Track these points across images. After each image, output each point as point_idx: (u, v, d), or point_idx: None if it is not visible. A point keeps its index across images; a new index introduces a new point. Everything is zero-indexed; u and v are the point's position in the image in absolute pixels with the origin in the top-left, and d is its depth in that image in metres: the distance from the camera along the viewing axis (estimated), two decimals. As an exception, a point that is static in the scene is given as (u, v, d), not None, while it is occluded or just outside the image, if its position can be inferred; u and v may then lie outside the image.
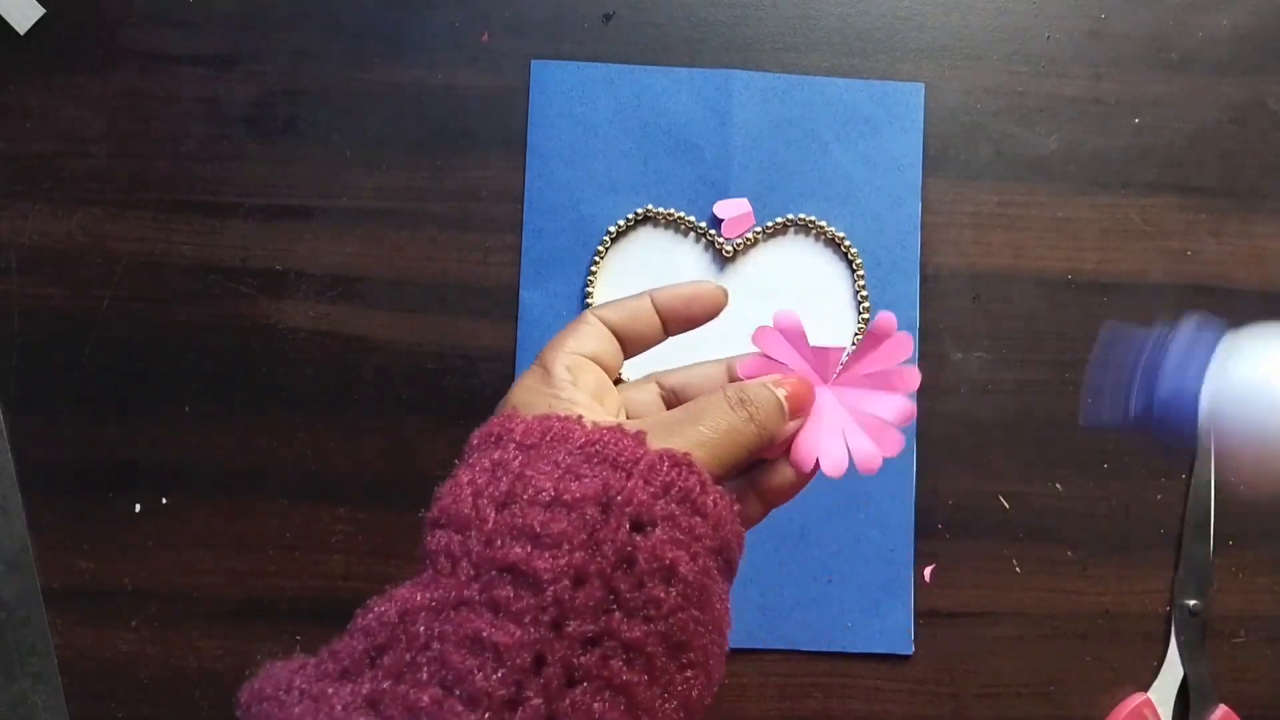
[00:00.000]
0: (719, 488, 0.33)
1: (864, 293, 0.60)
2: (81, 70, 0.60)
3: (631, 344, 0.39)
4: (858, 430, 0.38)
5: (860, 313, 0.60)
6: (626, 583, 0.30)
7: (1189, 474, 0.60)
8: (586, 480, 0.31)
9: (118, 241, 0.60)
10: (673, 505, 0.31)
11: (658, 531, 0.30)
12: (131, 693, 0.58)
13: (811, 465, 0.37)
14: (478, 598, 0.29)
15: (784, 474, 0.37)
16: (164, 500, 0.59)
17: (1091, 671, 0.60)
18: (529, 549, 0.29)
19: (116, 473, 0.59)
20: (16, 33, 0.60)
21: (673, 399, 0.39)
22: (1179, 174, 0.61)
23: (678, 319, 0.39)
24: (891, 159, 0.60)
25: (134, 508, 0.59)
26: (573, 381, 0.36)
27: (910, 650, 0.59)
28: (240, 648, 0.58)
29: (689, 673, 0.31)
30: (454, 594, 0.29)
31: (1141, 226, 0.61)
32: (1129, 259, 0.61)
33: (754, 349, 0.38)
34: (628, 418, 0.38)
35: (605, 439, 0.32)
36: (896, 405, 0.38)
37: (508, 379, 0.59)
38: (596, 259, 0.60)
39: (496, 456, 0.32)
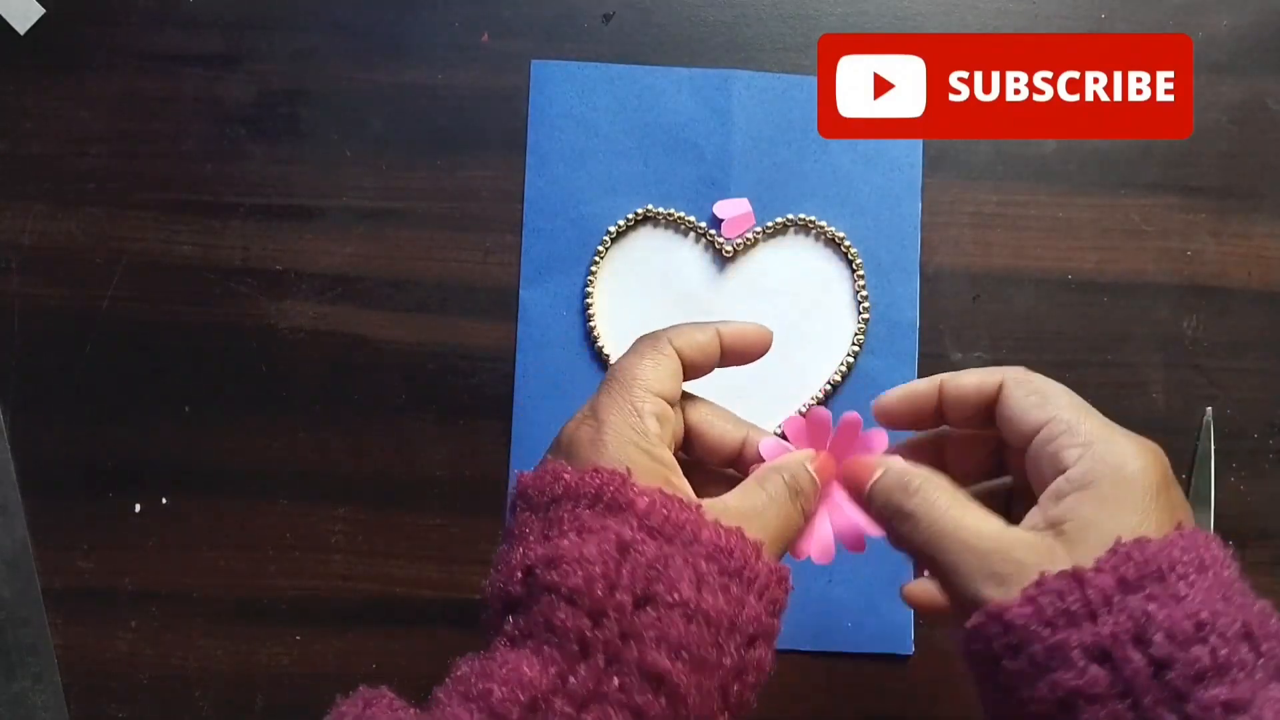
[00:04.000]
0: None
1: (864, 293, 0.60)
2: (81, 70, 0.60)
3: (691, 374, 0.39)
4: (841, 511, 0.40)
5: (860, 313, 0.60)
6: (736, 690, 0.33)
7: (1188, 474, 0.60)
8: (720, 596, 0.33)
9: (118, 241, 0.60)
10: (775, 620, 0.35)
11: (762, 646, 0.34)
12: (131, 693, 0.58)
13: (806, 555, 0.39)
14: (618, 696, 0.31)
15: None
16: (164, 500, 0.59)
17: (1091, 671, 0.60)
18: (674, 661, 0.31)
19: (116, 473, 0.59)
20: (16, 33, 0.60)
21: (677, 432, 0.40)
22: (1179, 174, 0.61)
23: (734, 356, 0.40)
24: (891, 159, 0.60)
25: (134, 508, 0.59)
26: (661, 435, 0.37)
27: (910, 650, 0.59)
28: (240, 648, 0.58)
29: None
30: (591, 684, 0.31)
31: (1141, 226, 0.61)
32: (1129, 259, 0.61)
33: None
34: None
35: (731, 547, 0.34)
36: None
37: (508, 379, 0.59)
38: (596, 259, 0.59)
39: (621, 534, 0.33)
